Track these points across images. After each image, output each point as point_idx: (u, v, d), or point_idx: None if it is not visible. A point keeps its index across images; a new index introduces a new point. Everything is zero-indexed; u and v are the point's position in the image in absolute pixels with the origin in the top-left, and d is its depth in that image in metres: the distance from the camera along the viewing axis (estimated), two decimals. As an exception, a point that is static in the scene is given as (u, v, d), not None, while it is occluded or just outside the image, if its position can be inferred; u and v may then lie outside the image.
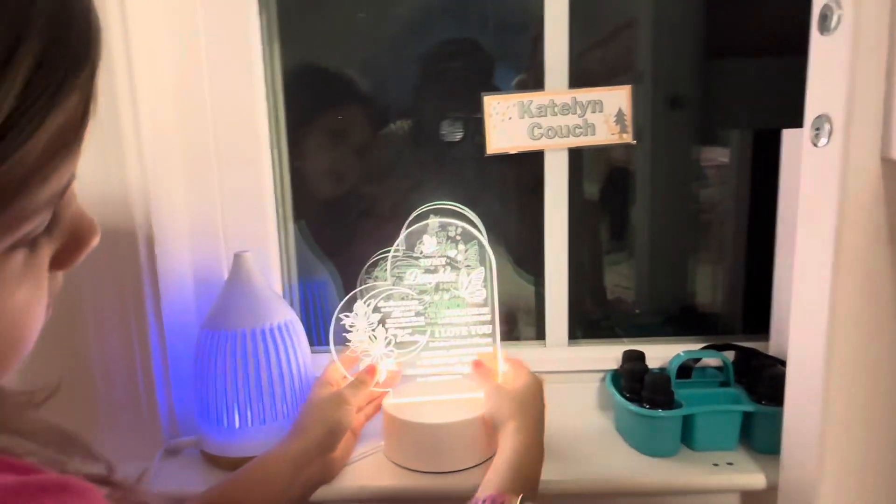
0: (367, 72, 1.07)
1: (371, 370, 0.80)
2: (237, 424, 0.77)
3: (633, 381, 0.82)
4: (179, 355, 0.83)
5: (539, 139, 0.88)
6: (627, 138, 0.88)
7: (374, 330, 0.81)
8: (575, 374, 0.92)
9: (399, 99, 1.08)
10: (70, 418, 0.81)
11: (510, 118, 0.88)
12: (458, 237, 0.80)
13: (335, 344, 0.83)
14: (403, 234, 0.80)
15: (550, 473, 0.75)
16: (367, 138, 1.08)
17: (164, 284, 0.80)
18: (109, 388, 0.80)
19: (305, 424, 0.74)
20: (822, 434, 0.64)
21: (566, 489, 0.76)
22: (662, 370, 0.85)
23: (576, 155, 0.92)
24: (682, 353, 0.85)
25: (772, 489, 0.74)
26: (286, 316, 0.81)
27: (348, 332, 0.81)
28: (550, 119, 0.88)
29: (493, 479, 0.65)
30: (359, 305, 0.81)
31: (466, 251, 0.81)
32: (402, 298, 0.81)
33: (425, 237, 0.80)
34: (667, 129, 1.07)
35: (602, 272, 1.09)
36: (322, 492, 0.74)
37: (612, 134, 0.88)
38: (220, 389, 0.77)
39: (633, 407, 0.79)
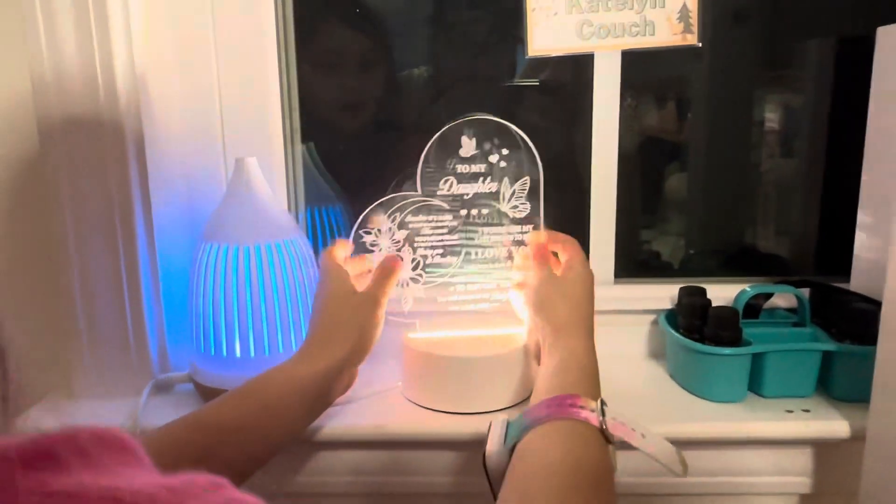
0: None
1: (394, 261, 0.72)
2: (238, 354, 0.72)
3: (692, 318, 0.76)
4: (172, 272, 0.78)
5: (589, 39, 0.82)
6: (692, 40, 0.81)
7: (399, 249, 0.75)
8: (622, 314, 0.87)
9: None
10: (46, 344, 0.77)
11: (556, 13, 0.81)
12: (498, 145, 0.74)
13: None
14: (435, 138, 0.73)
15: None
16: (385, 52, 1.02)
17: (156, 191, 0.75)
18: (91, 310, 0.75)
19: (333, 332, 0.65)
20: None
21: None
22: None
23: (628, 62, 0.85)
24: (748, 289, 0.79)
25: (856, 440, 0.69)
26: (294, 233, 0.75)
27: (369, 251, 0.75)
28: (603, 15, 0.81)
29: (553, 381, 0.58)
30: (381, 220, 0.74)
31: (507, 159, 0.74)
32: (434, 212, 0.74)
33: (463, 139, 0.73)
34: (730, 46, 1.01)
35: (652, 207, 1.03)
36: (333, 431, 0.70)
37: (675, 34, 0.81)
38: (217, 313, 0.72)
39: (694, 345, 0.74)
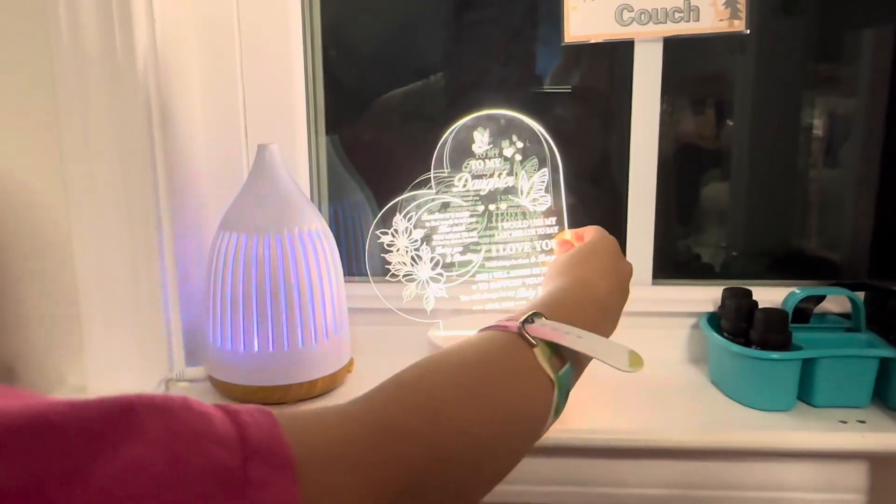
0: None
1: None
2: (256, 348, 0.72)
3: (738, 321, 0.74)
4: (190, 263, 0.77)
5: (629, 25, 0.80)
6: (740, 26, 0.80)
7: (417, 249, 0.75)
8: (660, 317, 0.85)
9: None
10: (59, 333, 0.77)
11: (594, -2, 0.80)
12: (514, 139, 0.73)
13: (372, 271, 0.77)
14: (448, 136, 0.73)
15: (637, 428, 0.69)
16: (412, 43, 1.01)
17: (175, 176, 0.75)
18: (105, 301, 0.74)
19: None
20: None
21: (657, 445, 0.69)
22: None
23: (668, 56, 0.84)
24: (797, 291, 0.77)
25: (916, 454, 0.66)
26: (318, 224, 0.75)
27: (387, 252, 0.75)
28: (644, 0, 0.80)
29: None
30: (398, 220, 0.74)
31: (524, 153, 0.73)
32: (451, 209, 0.74)
33: (475, 135, 0.73)
34: (777, 39, 0.98)
35: (692, 205, 1.01)
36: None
37: (721, 20, 0.80)
38: (235, 306, 0.71)
39: (740, 349, 0.71)
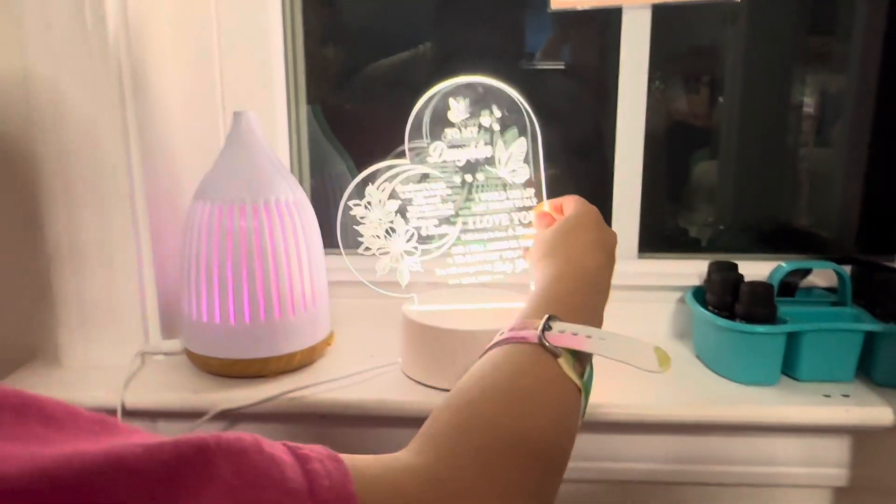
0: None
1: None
2: (232, 321, 0.70)
3: (723, 295, 0.73)
4: (164, 233, 0.75)
5: (617, -8, 0.78)
6: (730, -7, 0.78)
7: (391, 222, 0.72)
8: (646, 290, 0.84)
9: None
10: (31, 306, 0.75)
11: (582, -37, 0.78)
12: (493, 109, 0.71)
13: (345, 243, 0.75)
14: (422, 103, 0.70)
15: (621, 402, 0.68)
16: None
17: (148, 145, 0.73)
18: (78, 272, 0.73)
19: None
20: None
21: (641, 419, 0.68)
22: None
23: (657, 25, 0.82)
24: (784, 265, 0.75)
25: (899, 428, 0.66)
26: (295, 193, 0.73)
27: (360, 224, 0.73)
28: (633, -34, 0.78)
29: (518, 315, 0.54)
30: (370, 191, 0.72)
31: (503, 122, 0.71)
32: (426, 180, 0.72)
33: (451, 102, 0.70)
34: (769, 9, 0.97)
35: (681, 179, 1.00)
36: (334, 404, 0.68)
37: (711, -13, 0.78)
38: (212, 276, 0.70)
39: (725, 322, 0.71)
